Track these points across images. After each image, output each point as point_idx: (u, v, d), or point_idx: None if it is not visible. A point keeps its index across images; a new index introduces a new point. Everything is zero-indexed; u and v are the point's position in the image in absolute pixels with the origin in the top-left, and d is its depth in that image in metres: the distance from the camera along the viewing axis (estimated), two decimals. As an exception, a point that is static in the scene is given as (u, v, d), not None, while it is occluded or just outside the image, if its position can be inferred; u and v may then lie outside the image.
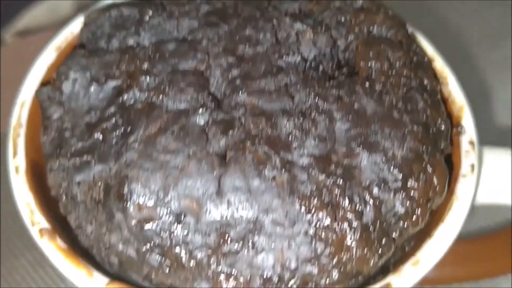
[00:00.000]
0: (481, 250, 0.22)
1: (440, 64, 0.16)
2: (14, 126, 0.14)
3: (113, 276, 0.12)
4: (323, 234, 0.12)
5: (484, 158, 0.15)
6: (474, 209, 0.27)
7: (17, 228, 0.29)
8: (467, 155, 0.14)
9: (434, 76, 0.14)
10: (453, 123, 0.15)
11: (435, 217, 0.13)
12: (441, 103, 0.14)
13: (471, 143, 0.14)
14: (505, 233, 0.21)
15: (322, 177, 0.12)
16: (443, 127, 0.13)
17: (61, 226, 0.13)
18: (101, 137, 0.12)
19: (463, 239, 0.26)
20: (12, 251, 0.28)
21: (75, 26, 0.16)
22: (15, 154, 0.14)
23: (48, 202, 0.13)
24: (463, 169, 0.14)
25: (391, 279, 0.12)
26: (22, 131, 0.14)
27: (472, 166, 0.14)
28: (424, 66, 0.14)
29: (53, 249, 0.12)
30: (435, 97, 0.14)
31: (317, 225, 0.12)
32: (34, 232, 0.13)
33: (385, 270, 0.13)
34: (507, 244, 0.21)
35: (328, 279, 0.12)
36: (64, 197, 0.13)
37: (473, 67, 0.31)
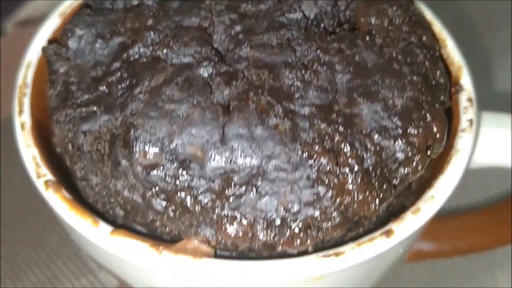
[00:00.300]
0: (481, 223, 0.22)
1: (438, 28, 0.16)
2: (19, 86, 0.14)
3: (118, 227, 0.12)
4: (325, 178, 0.12)
5: (484, 122, 0.15)
6: (473, 181, 0.28)
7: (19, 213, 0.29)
8: (466, 111, 0.14)
9: (433, 36, 0.15)
10: (452, 83, 0.15)
11: (435, 170, 0.14)
12: (439, 59, 0.14)
13: (469, 100, 0.15)
14: (504, 205, 0.22)
15: (323, 125, 0.12)
16: (442, 80, 0.13)
17: (65, 182, 0.13)
18: (106, 90, 0.13)
19: (463, 213, 0.26)
20: (13, 234, 0.29)
21: (81, -8, 0.16)
22: (20, 112, 0.14)
23: (52, 160, 0.14)
24: (462, 124, 0.14)
25: (392, 225, 0.12)
26: (28, 91, 0.14)
27: (471, 121, 0.14)
28: (423, 25, 0.14)
29: (58, 200, 0.12)
30: (434, 52, 0.14)
31: (319, 170, 0.12)
32: (39, 185, 0.13)
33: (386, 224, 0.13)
34: (507, 216, 0.21)
35: (329, 222, 0.12)
36: (70, 148, 0.13)
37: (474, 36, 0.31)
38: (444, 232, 0.23)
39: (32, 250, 0.28)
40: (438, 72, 0.14)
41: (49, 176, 0.13)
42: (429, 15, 0.16)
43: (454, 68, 0.15)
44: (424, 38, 0.14)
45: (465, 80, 0.15)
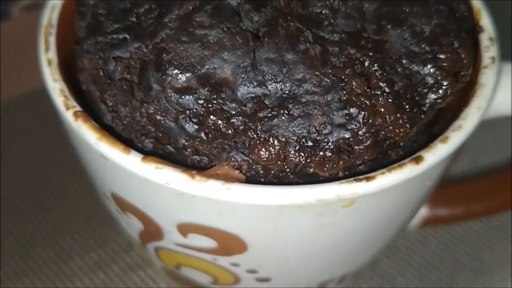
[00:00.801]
0: (494, 185, 0.22)
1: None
2: (45, 26, 0.15)
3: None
4: (356, 100, 0.12)
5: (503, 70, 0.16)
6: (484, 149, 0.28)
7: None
8: (487, 50, 0.15)
9: None
10: (472, 25, 0.15)
11: (460, 104, 0.14)
12: None
13: (490, 39, 0.15)
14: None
15: (353, 50, 0.12)
16: (466, 13, 0.14)
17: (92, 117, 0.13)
18: (136, 20, 0.13)
19: (476, 177, 0.26)
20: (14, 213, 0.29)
21: None
22: (47, 49, 0.14)
23: (76, 99, 0.14)
24: (484, 62, 0.14)
25: (421, 153, 0.12)
26: (53, 31, 0.14)
27: (493, 58, 0.14)
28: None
29: (88, 130, 0.12)
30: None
31: (350, 92, 0.12)
32: (68, 116, 0.13)
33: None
34: None
35: (361, 145, 0.12)
36: (101, 75, 0.13)
37: None
38: (458, 197, 0.23)
39: (41, 226, 0.28)
40: (462, 6, 0.14)
41: (78, 108, 0.13)
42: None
43: (474, 12, 0.15)
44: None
45: (485, 21, 0.15)
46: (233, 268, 0.15)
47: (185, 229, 0.14)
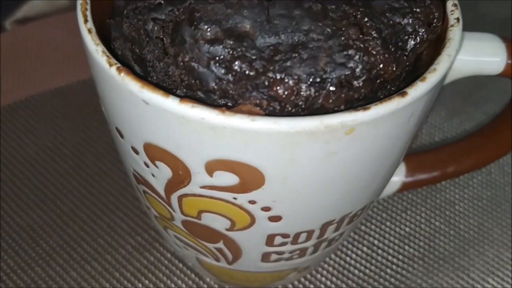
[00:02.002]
0: (462, 150, 0.26)
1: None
2: (81, 3, 0.17)
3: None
4: (353, 44, 0.15)
5: (465, 36, 0.19)
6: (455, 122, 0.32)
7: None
8: (453, 13, 0.18)
9: None
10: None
11: (434, 55, 0.17)
12: None
13: (454, 5, 0.18)
14: (479, 136, 0.25)
15: (347, 7, 0.15)
16: None
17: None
18: None
19: (448, 144, 0.30)
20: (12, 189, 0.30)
21: None
22: (86, 21, 0.16)
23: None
24: (451, 22, 0.17)
25: (406, 89, 0.15)
26: (88, 7, 0.17)
27: (457, 19, 0.17)
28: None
29: (131, 81, 0.15)
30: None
31: (348, 38, 0.15)
32: (112, 71, 0.15)
33: None
34: (481, 144, 0.25)
35: (358, 80, 0.15)
36: (141, 33, 0.15)
37: None
38: (434, 162, 0.26)
39: (47, 217, 0.30)
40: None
41: (119, 64, 0.15)
42: None
43: (439, -15, 0.19)
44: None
45: (449, -9, 0.18)
46: (250, 207, 0.18)
47: (212, 166, 0.16)
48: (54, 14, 0.42)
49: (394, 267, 0.29)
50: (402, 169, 0.26)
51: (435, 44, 0.18)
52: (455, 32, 0.17)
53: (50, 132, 0.34)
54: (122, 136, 0.18)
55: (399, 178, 0.26)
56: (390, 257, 0.29)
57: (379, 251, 0.30)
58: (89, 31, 0.16)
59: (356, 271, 0.29)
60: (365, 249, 0.30)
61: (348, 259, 0.29)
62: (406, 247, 0.30)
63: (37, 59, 0.39)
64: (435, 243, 0.30)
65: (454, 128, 0.36)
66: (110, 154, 0.33)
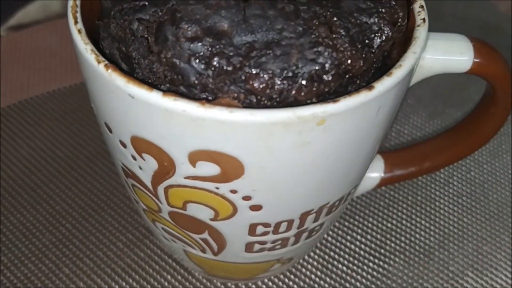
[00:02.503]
0: (437, 147, 0.27)
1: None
2: (71, 6, 0.18)
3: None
4: (323, 41, 0.16)
5: (431, 36, 0.20)
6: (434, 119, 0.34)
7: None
8: (419, 14, 0.19)
9: None
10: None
11: (402, 51, 0.18)
12: None
13: (421, 6, 0.19)
14: (452, 133, 0.26)
15: (317, 8, 0.16)
16: None
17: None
18: None
19: (423, 141, 0.31)
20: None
21: None
22: (76, 22, 0.18)
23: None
24: (417, 22, 0.19)
25: (373, 83, 0.16)
26: (78, 9, 0.18)
27: (423, 19, 0.19)
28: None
29: (118, 76, 0.16)
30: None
31: (318, 36, 0.16)
32: (100, 68, 0.16)
33: None
34: (455, 140, 0.26)
35: (327, 74, 0.16)
36: (127, 33, 0.16)
37: None
38: (410, 158, 0.27)
39: (40, 215, 0.31)
40: (397, -23, 0.18)
41: (106, 62, 0.16)
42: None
43: (408, -13, 0.20)
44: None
45: (417, -6, 0.20)
46: (231, 196, 0.19)
47: (194, 157, 0.17)
48: (47, 21, 0.44)
49: (376, 261, 0.30)
50: (381, 165, 0.27)
51: (404, 44, 0.19)
52: (420, 32, 0.18)
53: (44, 134, 0.35)
54: (110, 131, 0.19)
55: (378, 173, 0.27)
56: (372, 252, 0.30)
57: (362, 246, 0.31)
58: (79, 31, 0.17)
59: (340, 265, 0.30)
60: (348, 244, 0.31)
61: (332, 253, 0.30)
62: (388, 242, 0.31)
63: (31, 65, 0.40)
64: (416, 238, 0.31)
65: (435, 129, 0.37)
66: (101, 155, 0.34)
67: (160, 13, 0.16)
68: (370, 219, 0.32)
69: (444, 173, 0.34)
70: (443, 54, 0.21)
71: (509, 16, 0.46)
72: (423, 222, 0.32)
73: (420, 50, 0.18)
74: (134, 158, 0.19)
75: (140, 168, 0.19)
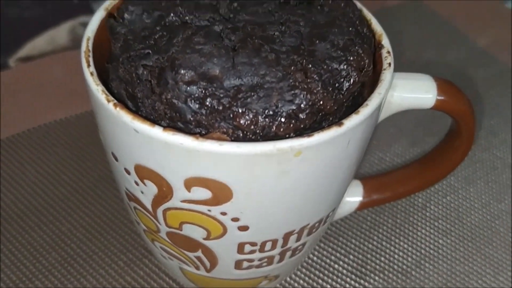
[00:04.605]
0: (412, 173, 0.30)
1: (366, 12, 0.24)
2: (84, 51, 0.21)
3: (164, 131, 0.19)
4: (299, 85, 0.19)
5: (396, 76, 0.23)
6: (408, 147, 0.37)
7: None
8: (386, 59, 0.22)
9: (361, 14, 0.23)
10: (376, 43, 0.23)
11: (370, 92, 0.21)
12: (366, 24, 0.22)
13: (388, 52, 0.22)
14: (426, 159, 0.29)
15: (295, 56, 0.19)
16: (368, 33, 0.21)
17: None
18: (153, 42, 0.19)
19: (399, 168, 0.34)
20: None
21: (118, -5, 0.23)
22: (88, 65, 0.20)
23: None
24: (384, 66, 0.22)
25: (343, 120, 0.19)
26: (90, 54, 0.21)
27: (389, 64, 0.22)
28: (354, 6, 0.22)
29: (125, 114, 0.19)
30: (362, 19, 0.22)
31: (295, 81, 0.19)
32: (110, 106, 0.19)
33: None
34: (430, 166, 0.29)
35: (303, 113, 0.19)
36: (133, 77, 0.19)
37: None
38: (387, 183, 0.30)
39: (47, 236, 0.33)
40: (365, 29, 0.21)
41: (115, 101, 0.19)
42: (359, 4, 0.24)
43: (377, 35, 0.23)
44: (355, 12, 0.22)
45: (385, 41, 0.23)
46: (221, 218, 0.21)
47: (189, 183, 0.20)
48: (54, 53, 0.47)
49: (358, 279, 0.32)
50: (360, 190, 0.30)
51: (374, 84, 0.22)
52: (386, 75, 0.21)
53: (50, 160, 0.38)
54: (116, 159, 0.22)
55: (357, 198, 0.30)
56: (354, 270, 0.33)
57: (345, 265, 0.33)
58: (91, 74, 0.20)
59: (324, 283, 0.32)
60: (332, 263, 0.33)
61: (317, 272, 0.33)
62: (369, 262, 0.33)
63: (38, 95, 0.43)
64: (394, 258, 0.34)
65: (415, 156, 0.40)
66: (104, 180, 0.37)
67: (162, 60, 0.19)
68: (353, 240, 0.35)
69: (422, 198, 0.37)
70: (410, 92, 0.24)
71: (486, 50, 0.49)
72: (401, 243, 0.35)
73: (385, 91, 0.21)
74: (137, 184, 0.22)
75: (142, 192, 0.22)
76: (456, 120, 0.25)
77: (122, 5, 0.20)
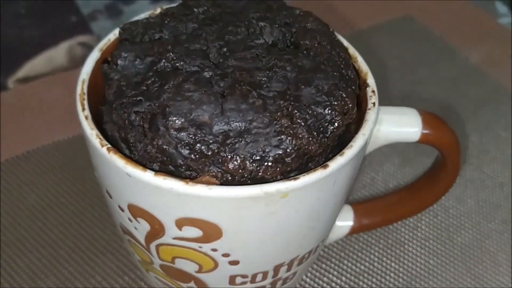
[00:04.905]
0: (402, 198, 0.30)
1: (352, 50, 0.25)
2: (79, 94, 0.22)
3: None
4: (285, 130, 0.20)
5: (382, 111, 0.24)
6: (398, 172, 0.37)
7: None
8: (371, 98, 0.23)
9: (347, 53, 0.23)
10: (362, 83, 0.23)
11: (354, 133, 0.22)
12: (351, 66, 0.23)
13: (373, 91, 0.23)
14: (416, 185, 0.30)
15: (282, 101, 0.20)
16: (352, 76, 0.22)
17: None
18: (145, 88, 0.20)
19: (389, 193, 0.35)
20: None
21: (111, 36, 0.24)
22: (83, 109, 0.21)
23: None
24: (368, 106, 0.22)
25: (328, 162, 0.20)
26: (85, 97, 0.22)
27: (374, 103, 0.22)
28: (341, 46, 0.23)
29: (118, 159, 0.20)
30: (347, 61, 0.22)
31: (281, 126, 0.20)
32: (103, 151, 0.20)
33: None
34: (419, 192, 0.30)
35: (289, 157, 0.19)
36: (126, 123, 0.20)
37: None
38: (377, 209, 0.31)
39: (45, 259, 0.34)
40: (349, 72, 0.22)
41: (109, 145, 0.20)
42: (345, 42, 0.25)
43: (363, 74, 0.24)
44: (341, 53, 0.22)
45: (370, 80, 0.23)
46: (212, 254, 0.22)
47: (180, 223, 0.21)
48: (52, 74, 0.47)
49: (349, 301, 0.33)
50: (350, 215, 0.31)
51: (359, 122, 0.23)
52: (370, 115, 0.22)
53: (49, 182, 0.39)
54: (111, 197, 0.22)
55: (348, 222, 0.31)
56: (346, 292, 0.34)
57: (338, 287, 0.34)
58: (86, 117, 0.21)
59: (316, 305, 0.33)
60: (325, 285, 0.34)
61: (309, 294, 0.33)
62: (361, 283, 0.34)
63: (37, 116, 0.43)
64: (386, 279, 0.34)
65: (407, 176, 0.41)
66: (102, 202, 0.37)
67: (153, 106, 0.20)
68: (345, 261, 0.35)
69: (414, 218, 0.38)
70: (395, 126, 0.24)
71: (478, 67, 0.50)
72: (393, 264, 0.35)
73: (369, 132, 0.21)
74: (130, 220, 0.22)
75: (136, 228, 0.23)
76: (441, 153, 0.26)
77: (115, 51, 0.21)
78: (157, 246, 0.22)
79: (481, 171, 0.42)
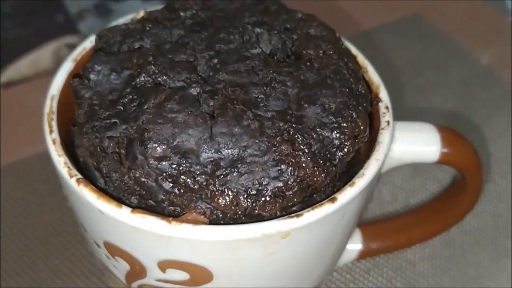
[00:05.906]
0: (415, 220, 0.27)
1: (361, 59, 0.22)
2: (47, 113, 0.19)
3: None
4: (285, 159, 0.17)
5: (397, 127, 0.21)
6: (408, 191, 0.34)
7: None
8: (384, 116, 0.20)
9: (356, 63, 0.20)
10: (373, 97, 0.20)
11: (365, 157, 0.19)
12: (361, 78, 0.20)
13: (386, 107, 0.20)
14: (430, 205, 0.27)
15: (281, 123, 0.17)
16: (363, 91, 0.19)
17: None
18: (122, 108, 0.17)
19: (400, 214, 0.31)
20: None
21: (87, 43, 0.21)
22: (51, 131, 0.18)
23: (75, 164, 0.18)
24: (382, 125, 0.19)
25: (335, 195, 0.17)
26: (54, 116, 0.19)
27: (388, 122, 0.19)
28: (348, 55, 0.20)
29: (88, 192, 0.17)
30: (357, 73, 0.19)
31: (281, 154, 0.17)
32: (72, 182, 0.17)
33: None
34: (434, 214, 0.27)
35: (290, 191, 0.16)
36: (98, 150, 0.17)
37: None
38: (387, 231, 0.28)
39: (25, 284, 0.31)
40: (360, 86, 0.19)
41: (79, 175, 0.17)
42: (354, 49, 0.22)
43: (374, 87, 0.21)
44: (349, 64, 0.19)
45: (383, 94, 0.20)
46: (202, 296, 0.19)
47: (164, 265, 0.18)
48: (37, 78, 0.44)
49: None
50: (359, 238, 0.28)
51: (371, 142, 0.20)
52: (384, 136, 0.19)
53: (30, 198, 0.36)
54: (85, 230, 0.19)
55: (357, 246, 0.28)
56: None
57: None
58: (54, 141, 0.18)
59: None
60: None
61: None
62: (368, 308, 0.31)
63: (20, 124, 0.40)
64: (395, 302, 0.32)
65: (416, 188, 0.38)
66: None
67: (130, 130, 0.17)
68: (351, 284, 0.32)
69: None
70: (411, 144, 0.21)
71: (490, 68, 0.47)
72: (402, 287, 0.32)
73: (383, 157, 0.18)
74: (108, 258, 0.19)
75: (114, 266, 0.20)
76: (462, 174, 0.23)
77: (88, 64, 0.18)
78: (140, 286, 0.19)
79: (496, 184, 0.39)
